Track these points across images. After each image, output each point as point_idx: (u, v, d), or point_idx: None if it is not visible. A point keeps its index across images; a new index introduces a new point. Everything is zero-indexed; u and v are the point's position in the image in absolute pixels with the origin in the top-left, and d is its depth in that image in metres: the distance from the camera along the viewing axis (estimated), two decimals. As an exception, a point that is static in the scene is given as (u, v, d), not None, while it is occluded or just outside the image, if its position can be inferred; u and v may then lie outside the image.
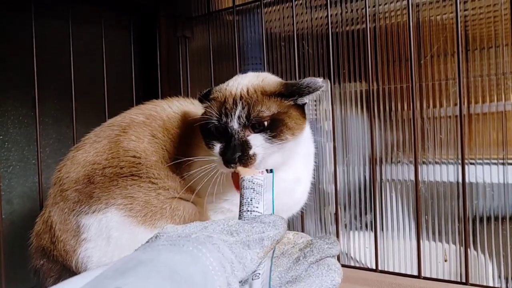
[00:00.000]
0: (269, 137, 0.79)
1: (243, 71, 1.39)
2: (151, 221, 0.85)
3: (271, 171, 0.76)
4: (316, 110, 1.31)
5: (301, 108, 0.86)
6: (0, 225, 1.13)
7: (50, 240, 0.89)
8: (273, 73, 1.34)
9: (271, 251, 0.62)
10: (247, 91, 0.82)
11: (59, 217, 0.88)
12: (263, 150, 0.79)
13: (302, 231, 1.18)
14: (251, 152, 0.78)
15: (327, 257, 0.66)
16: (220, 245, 0.52)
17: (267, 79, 0.87)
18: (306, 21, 1.31)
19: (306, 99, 0.84)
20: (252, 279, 0.59)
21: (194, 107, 1.00)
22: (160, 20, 1.56)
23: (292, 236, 0.73)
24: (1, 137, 1.25)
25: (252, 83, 0.84)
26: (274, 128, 0.80)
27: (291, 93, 0.82)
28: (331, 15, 1.14)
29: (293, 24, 1.20)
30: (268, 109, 0.80)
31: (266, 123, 0.80)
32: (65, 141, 1.38)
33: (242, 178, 0.74)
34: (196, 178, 0.85)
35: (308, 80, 0.82)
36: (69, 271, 0.87)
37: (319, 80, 0.82)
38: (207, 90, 0.90)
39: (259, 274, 0.59)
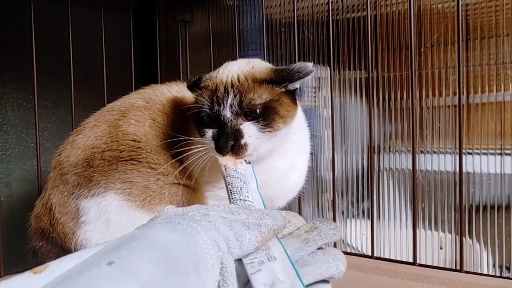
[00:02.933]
0: (262, 126, 0.80)
1: (243, 56, 1.38)
2: (149, 206, 0.86)
3: (249, 162, 0.78)
4: (315, 97, 1.30)
5: (292, 94, 0.86)
6: (-1, 207, 1.13)
7: (50, 223, 0.89)
8: (273, 59, 1.35)
9: (269, 240, 0.63)
10: (238, 78, 0.82)
11: (59, 200, 0.89)
12: (255, 140, 0.80)
13: (300, 217, 1.19)
14: (242, 141, 0.79)
15: (330, 242, 0.67)
16: (217, 222, 0.53)
17: (257, 66, 0.86)
18: (307, 7, 1.30)
19: (297, 84, 0.83)
20: (269, 260, 0.59)
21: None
22: (160, 4, 1.55)
23: (291, 218, 0.74)
24: (0, 120, 1.24)
25: (242, 70, 0.84)
26: (267, 117, 0.80)
27: (281, 79, 0.82)
28: (332, 2, 1.13)
29: (293, 10, 1.20)
30: (260, 96, 0.80)
31: (258, 110, 0.80)
32: (63, 124, 1.38)
33: (224, 166, 0.75)
34: (193, 164, 0.85)
35: (298, 65, 0.81)
36: (67, 253, 0.88)
37: (309, 65, 0.81)
38: (196, 78, 0.90)
39: (275, 256, 0.59)
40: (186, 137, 0.86)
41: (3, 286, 0.43)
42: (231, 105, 0.79)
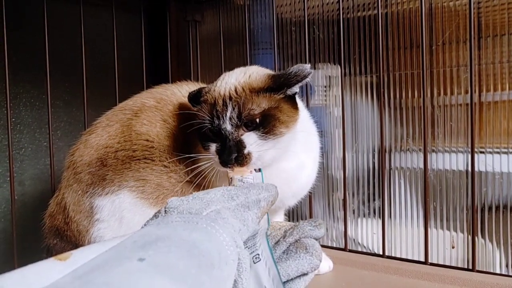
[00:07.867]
0: (262, 134, 0.80)
1: (254, 55, 1.39)
2: (162, 203, 0.87)
3: (260, 170, 0.79)
4: (326, 96, 1.30)
5: (292, 98, 0.86)
6: (13, 206, 1.15)
7: (64, 221, 0.91)
8: (283, 58, 1.35)
9: (265, 216, 0.66)
10: (236, 90, 0.82)
11: (73, 198, 0.90)
12: (257, 148, 0.80)
13: (310, 216, 1.19)
14: (245, 151, 0.79)
15: (307, 237, 0.67)
16: (229, 218, 0.55)
17: (254, 75, 0.86)
18: (317, 6, 1.30)
19: (295, 89, 0.83)
20: (254, 263, 0.60)
21: None
22: (170, 4, 1.56)
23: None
24: (13, 119, 1.26)
25: (239, 81, 0.84)
26: (267, 124, 0.80)
27: (279, 86, 0.82)
28: (342, 1, 1.13)
29: (304, 9, 1.20)
30: (259, 106, 0.80)
31: (258, 120, 0.80)
32: (76, 124, 1.39)
33: (231, 178, 0.77)
34: (203, 166, 0.86)
35: (295, 68, 0.81)
36: (81, 251, 0.89)
37: (307, 67, 0.81)
38: (196, 91, 0.90)
39: (259, 255, 0.60)
40: (192, 155, 0.87)
41: (30, 269, 0.45)
42: (230, 118, 0.80)
